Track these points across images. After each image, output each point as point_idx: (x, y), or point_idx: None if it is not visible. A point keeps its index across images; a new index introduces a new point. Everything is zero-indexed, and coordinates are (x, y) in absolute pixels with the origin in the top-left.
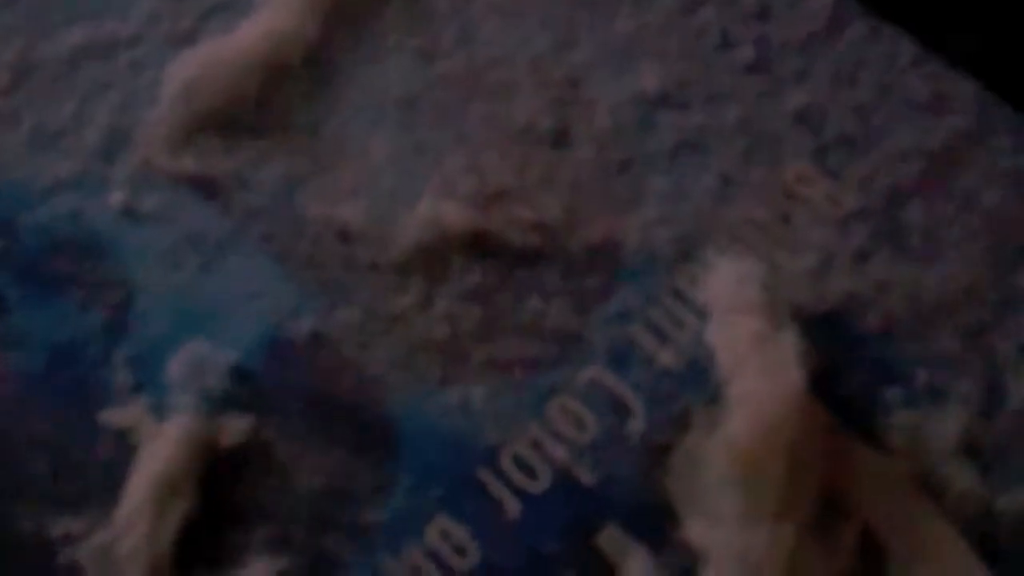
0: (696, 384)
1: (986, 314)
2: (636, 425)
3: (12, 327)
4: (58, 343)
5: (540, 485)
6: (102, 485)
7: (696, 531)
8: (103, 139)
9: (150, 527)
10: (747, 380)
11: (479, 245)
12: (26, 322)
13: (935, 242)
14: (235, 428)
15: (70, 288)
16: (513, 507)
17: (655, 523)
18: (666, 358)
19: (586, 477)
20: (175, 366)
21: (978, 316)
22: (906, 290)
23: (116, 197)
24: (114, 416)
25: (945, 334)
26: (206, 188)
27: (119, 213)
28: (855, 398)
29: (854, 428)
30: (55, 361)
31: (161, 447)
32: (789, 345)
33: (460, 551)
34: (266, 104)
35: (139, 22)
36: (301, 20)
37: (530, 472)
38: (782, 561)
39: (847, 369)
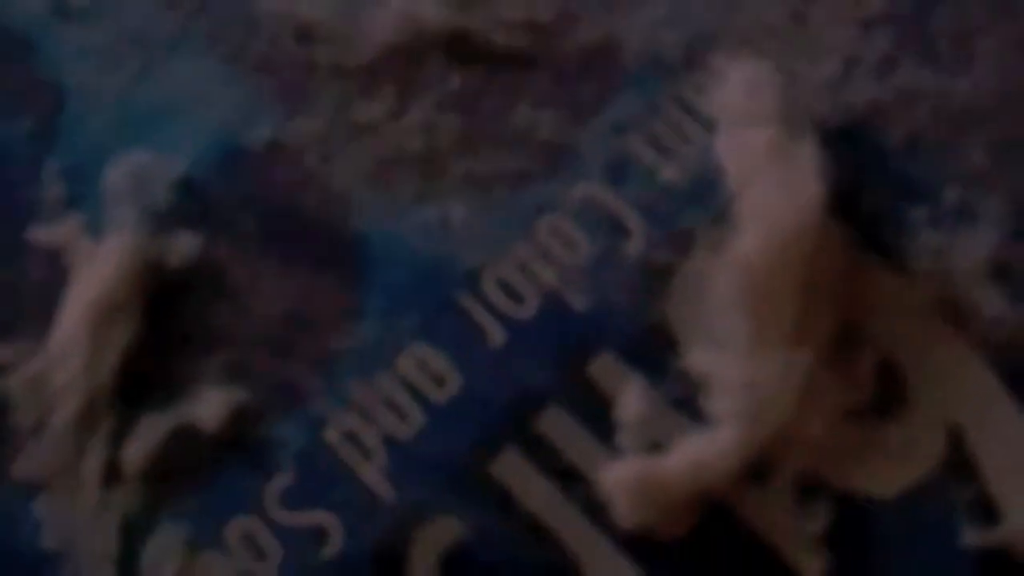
0: (701, 201)
1: (1020, 129)
2: (634, 245)
3: None
4: None
5: (527, 310)
6: (32, 310)
7: (699, 359)
8: None
9: (88, 355)
10: (759, 194)
11: (459, 47)
12: None
13: (967, 50)
14: (183, 247)
15: None
16: (497, 334)
17: (653, 351)
18: (669, 173)
19: (578, 302)
20: (113, 177)
21: (1011, 130)
22: (934, 101)
23: None
24: (44, 234)
25: (976, 149)
26: None
27: (46, 8)
28: (877, 216)
29: (875, 249)
30: None
31: (98, 268)
32: (806, 157)
33: (438, 380)
34: None
35: None
36: None
37: (516, 296)
38: (794, 390)
39: (868, 186)
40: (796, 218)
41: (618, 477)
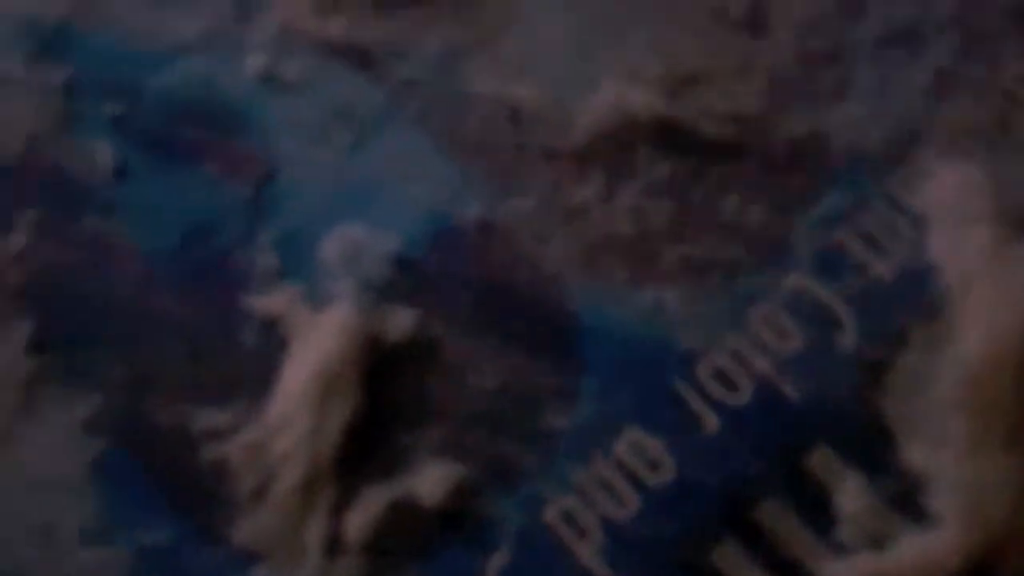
0: (914, 298)
1: None
2: (847, 338)
3: (137, 199)
4: (193, 219)
5: (741, 399)
6: (248, 376)
7: (918, 456)
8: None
9: (310, 425)
10: (978, 297)
11: (668, 135)
12: (154, 194)
13: None
14: (400, 321)
15: (204, 160)
16: (712, 421)
17: (870, 445)
18: (879, 268)
19: (792, 392)
20: (329, 250)
21: None
22: None
23: (254, 62)
24: (261, 302)
25: None
26: (357, 56)
27: (258, 80)
28: None
29: None
30: (190, 238)
31: (319, 339)
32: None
33: (653, 465)
34: None
35: None
36: None
37: (730, 384)
38: (1016, 491)
39: None
40: (1016, 322)
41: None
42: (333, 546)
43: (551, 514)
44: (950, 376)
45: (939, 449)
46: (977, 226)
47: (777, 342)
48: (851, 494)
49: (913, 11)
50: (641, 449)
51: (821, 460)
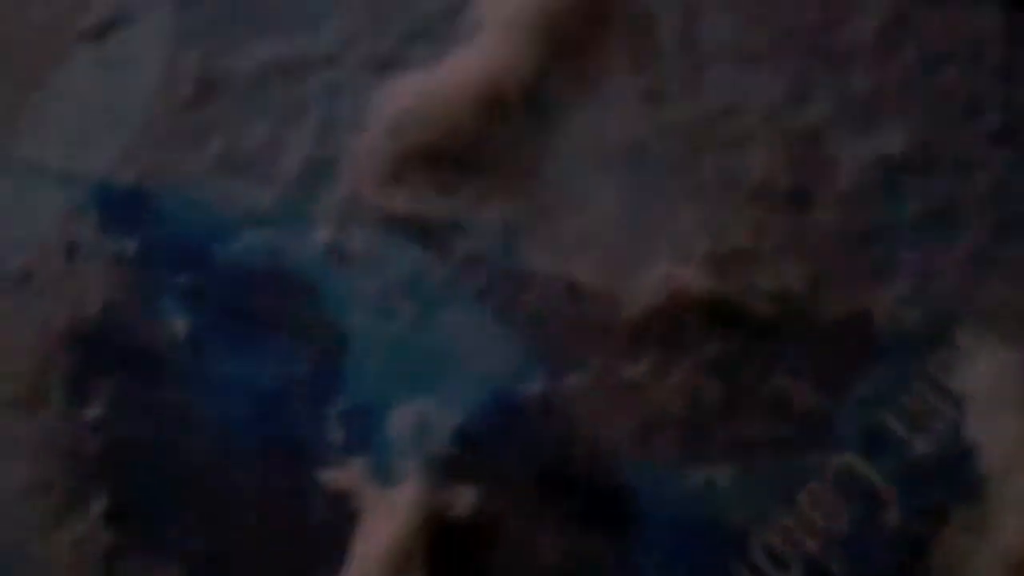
0: (955, 477)
1: None
2: (891, 516)
3: (210, 371)
4: (262, 391)
5: None
6: (318, 550)
7: None
8: (302, 168)
9: None
10: (1015, 485)
11: (717, 312)
12: (225, 366)
13: None
14: (465, 498)
15: (274, 332)
16: None
17: None
18: (921, 447)
19: (839, 571)
20: (396, 426)
21: None
22: None
23: (321, 234)
24: (333, 477)
25: None
26: (419, 230)
27: (324, 252)
28: None
29: None
30: (259, 411)
31: (390, 515)
32: None
33: None
34: (482, 143)
35: (333, 41)
36: (518, 53)
37: (781, 564)
38: None
39: None
40: None
41: None
42: None
43: None
44: (991, 561)
45: None
46: (1013, 412)
47: (825, 521)
48: None
49: (950, 189)
50: None
51: None
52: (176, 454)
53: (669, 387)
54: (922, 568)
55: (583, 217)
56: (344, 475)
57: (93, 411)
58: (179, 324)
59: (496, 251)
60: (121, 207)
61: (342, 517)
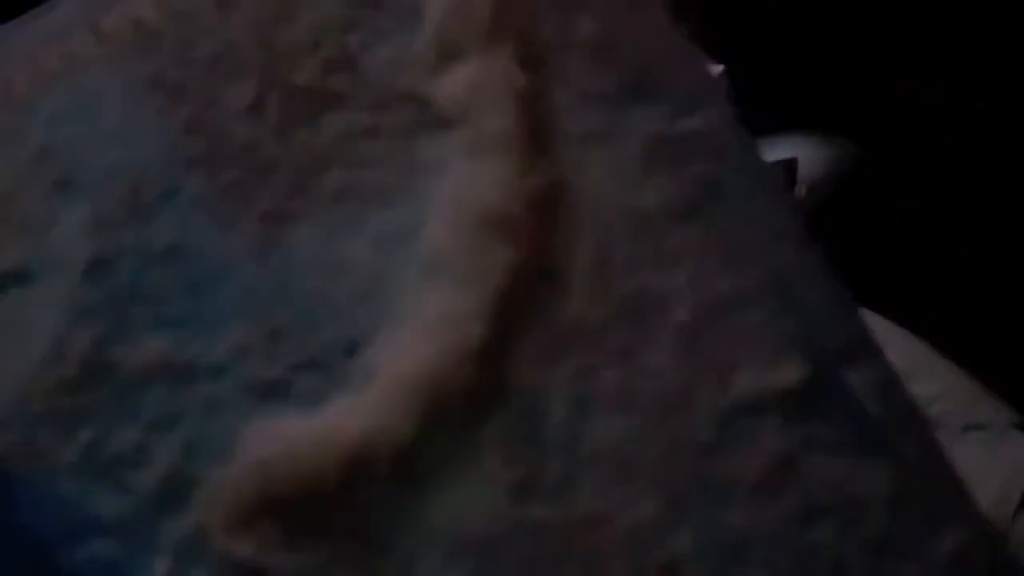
0: None
1: None
2: None
3: None
4: None
5: None
6: None
7: None
8: (159, 485)
9: None
10: None
11: None
12: None
13: None
14: None
15: None
16: None
17: None
18: None
19: None
20: None
21: None
22: None
23: (159, 565)
24: None
25: None
26: None
27: None
28: None
29: None
30: None
31: None
32: None
33: None
34: (340, 505)
35: (225, 349)
36: (398, 414)
37: None
38: None
39: None
40: None
41: None
42: None
43: None
44: None
45: None
46: None
47: None
48: None
49: None
50: None
51: None
52: None
53: None
54: None
55: None
56: None
57: None
58: None
59: None
60: None
61: None
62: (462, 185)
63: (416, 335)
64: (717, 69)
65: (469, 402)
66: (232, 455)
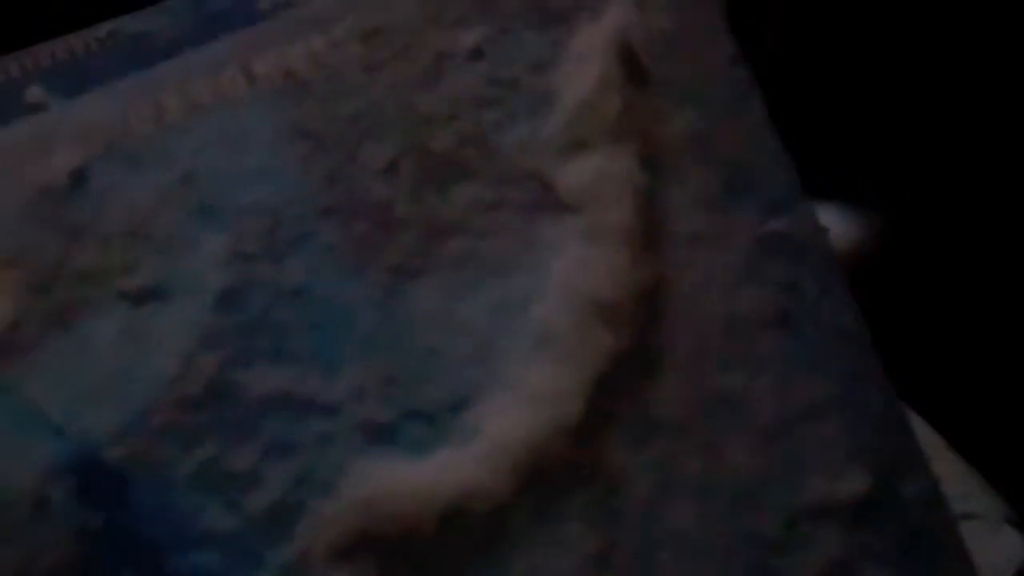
0: None
1: None
2: None
3: None
4: None
5: None
6: None
7: None
8: (268, 509)
9: None
10: None
11: None
12: None
13: None
14: None
15: None
16: None
17: None
18: None
19: None
20: None
21: None
22: None
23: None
24: None
25: None
26: None
27: None
28: None
29: None
30: None
31: None
32: None
33: None
34: (434, 548)
35: (342, 390)
36: (496, 474)
37: None
38: None
39: None
40: None
41: None
42: None
43: None
44: None
45: None
46: None
47: None
48: None
49: None
50: None
51: None
52: None
53: None
54: None
55: None
56: None
57: None
58: None
59: None
60: (100, 481)
61: None
62: (576, 269)
63: (520, 403)
64: None
65: (561, 472)
66: (339, 490)
